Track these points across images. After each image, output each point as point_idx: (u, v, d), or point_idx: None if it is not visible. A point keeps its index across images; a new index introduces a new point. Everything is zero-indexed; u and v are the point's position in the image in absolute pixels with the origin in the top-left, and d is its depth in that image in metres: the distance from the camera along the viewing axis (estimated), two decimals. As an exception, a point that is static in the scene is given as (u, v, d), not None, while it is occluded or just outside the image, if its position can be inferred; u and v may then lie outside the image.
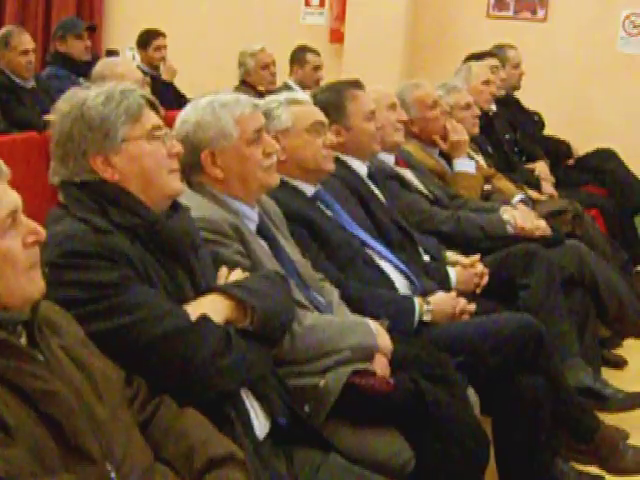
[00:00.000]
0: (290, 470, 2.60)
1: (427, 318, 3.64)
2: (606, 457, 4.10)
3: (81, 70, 7.09)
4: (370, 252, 3.85)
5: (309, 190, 3.71)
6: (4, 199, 1.97)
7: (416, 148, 5.24)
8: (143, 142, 2.55)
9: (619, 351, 5.63)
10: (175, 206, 2.67)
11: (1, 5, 10.08)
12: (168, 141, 2.63)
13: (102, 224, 2.43)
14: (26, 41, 6.94)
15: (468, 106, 5.74)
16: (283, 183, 3.42)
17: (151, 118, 2.61)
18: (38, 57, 7.26)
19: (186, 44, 9.26)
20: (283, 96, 3.74)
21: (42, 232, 2.02)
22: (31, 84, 6.94)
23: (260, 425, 2.57)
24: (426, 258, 4.32)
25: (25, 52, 6.87)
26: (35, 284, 2.02)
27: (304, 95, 3.95)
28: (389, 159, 4.78)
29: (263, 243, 3.16)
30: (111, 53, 8.85)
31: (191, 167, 3.05)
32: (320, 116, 3.72)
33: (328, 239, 3.61)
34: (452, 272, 4.14)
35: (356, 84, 4.32)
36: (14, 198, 2.00)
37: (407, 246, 4.22)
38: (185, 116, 3.14)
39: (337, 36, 9.31)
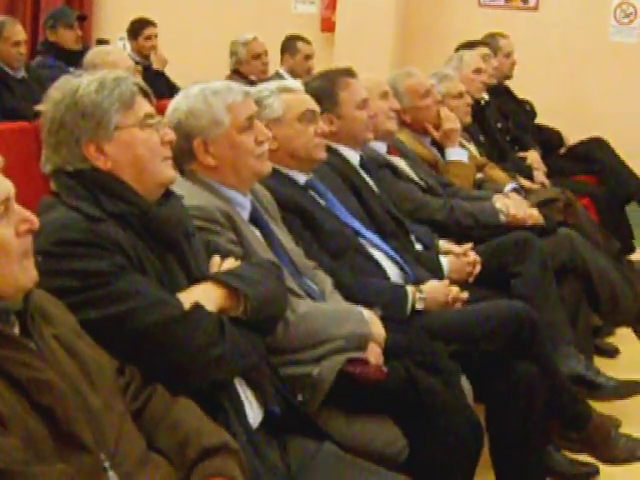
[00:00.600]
0: (284, 459, 2.59)
1: (420, 306, 3.64)
2: (598, 445, 4.10)
3: (72, 59, 7.08)
4: (363, 241, 3.84)
5: (301, 179, 3.70)
6: None
7: (408, 137, 5.22)
8: (136, 130, 2.54)
9: (611, 340, 5.65)
10: (167, 194, 2.65)
11: (-11, -4, 10.06)
12: (161, 129, 2.62)
13: (94, 212, 2.41)
14: (18, 32, 6.93)
15: (460, 95, 5.73)
16: (275, 171, 3.40)
17: (144, 106, 2.59)
18: (27, 47, 7.22)
19: (177, 33, 9.26)
20: (275, 84, 3.72)
21: (35, 220, 2.01)
22: (22, 74, 6.92)
23: (254, 414, 2.56)
24: (419, 247, 4.32)
25: (17, 43, 6.86)
26: (28, 273, 2.00)
27: (296, 83, 3.93)
28: (381, 148, 4.77)
29: (256, 231, 3.15)
30: (102, 43, 8.82)
31: (183, 155, 3.03)
32: (312, 104, 3.70)
33: (321, 228, 3.60)
34: (445, 261, 4.14)
35: (348, 72, 4.30)
36: (7, 186, 1.98)
37: (400, 235, 4.22)
38: (177, 104, 3.12)
39: (328, 25, 9.32)
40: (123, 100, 2.53)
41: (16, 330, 1.99)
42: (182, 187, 2.85)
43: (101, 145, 2.50)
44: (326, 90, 4.16)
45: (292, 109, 3.62)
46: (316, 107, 3.72)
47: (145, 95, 2.65)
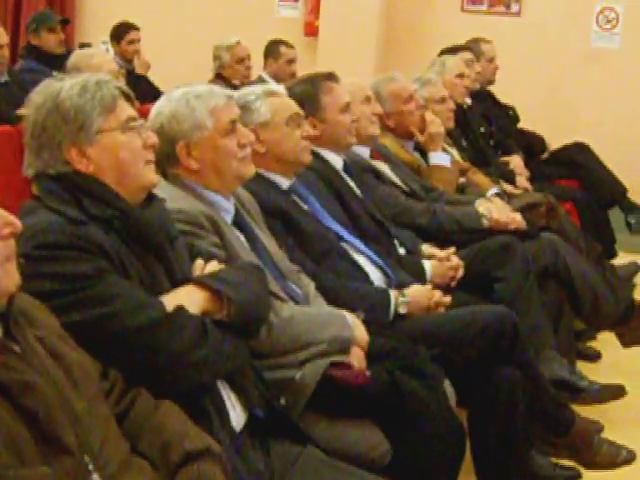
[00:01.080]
0: (267, 462, 2.59)
1: (403, 310, 3.65)
2: (581, 451, 4.10)
3: (55, 63, 7.03)
4: (345, 245, 3.85)
5: (285, 183, 3.70)
6: None
7: (391, 141, 5.22)
8: (118, 133, 2.53)
9: (593, 344, 5.66)
10: (150, 198, 2.65)
11: (-29, -2, 10.03)
12: (143, 132, 2.62)
13: (77, 215, 2.41)
14: (0, 35, 6.90)
15: (443, 100, 5.74)
16: (258, 176, 3.40)
17: (126, 109, 2.59)
18: (9, 50, 7.19)
19: (160, 37, 9.25)
20: (260, 88, 3.72)
21: (18, 224, 2.00)
22: (4, 78, 6.88)
23: (237, 417, 2.55)
24: (402, 251, 4.32)
25: (-1, 47, 6.84)
26: (10, 277, 1.99)
27: (280, 87, 3.93)
28: (364, 152, 4.77)
29: (239, 235, 3.15)
30: (84, 46, 8.79)
31: (166, 159, 3.03)
32: (297, 108, 3.71)
33: (303, 232, 3.61)
34: (427, 265, 4.15)
35: (331, 77, 4.30)
36: None
37: (382, 239, 4.22)
38: (159, 108, 3.12)
39: (311, 29, 9.32)
40: (105, 104, 2.53)
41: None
42: (165, 191, 2.85)
43: (83, 149, 2.49)
44: (309, 94, 4.16)
45: (279, 113, 3.63)
46: (301, 111, 3.72)
47: (127, 99, 2.64)
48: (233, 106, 3.17)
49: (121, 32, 8.34)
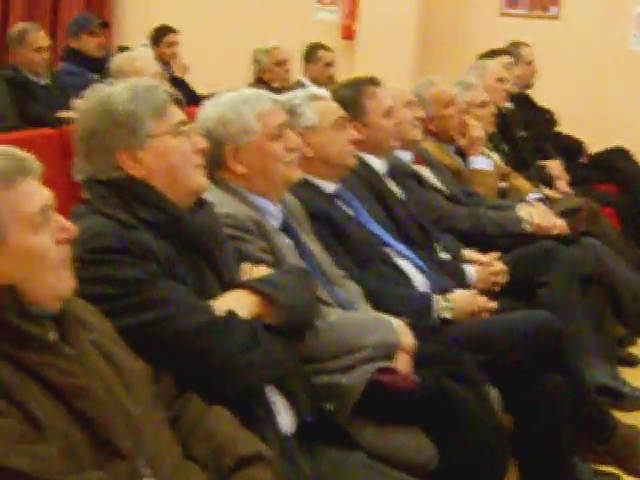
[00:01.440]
0: (314, 468, 2.58)
1: (447, 316, 3.63)
2: (624, 457, 4.07)
3: (95, 66, 7.09)
4: (389, 250, 3.84)
5: (330, 188, 3.70)
6: (36, 195, 1.97)
7: (433, 146, 5.22)
8: (169, 137, 2.54)
9: (633, 349, 5.61)
10: (199, 202, 2.66)
11: (9, 2, 10.07)
12: (192, 137, 2.63)
13: (128, 220, 2.43)
14: (41, 38, 6.96)
15: (484, 104, 5.72)
16: (304, 181, 3.41)
17: (176, 113, 2.60)
18: (50, 53, 7.24)
19: (197, 40, 9.24)
20: (304, 92, 3.74)
21: (73, 229, 2.02)
22: (45, 81, 6.94)
23: (287, 422, 2.56)
24: (444, 256, 4.31)
25: (39, 49, 6.88)
26: (66, 282, 2.02)
27: (323, 91, 3.93)
28: (406, 156, 4.76)
29: (286, 239, 3.15)
30: (123, 50, 8.84)
31: (213, 163, 3.03)
32: (342, 112, 3.72)
33: (348, 237, 3.60)
34: (471, 270, 4.13)
35: (374, 81, 4.30)
36: (45, 194, 1.99)
37: (425, 244, 4.21)
38: (207, 112, 3.13)
39: (348, 32, 9.30)
40: (156, 108, 2.54)
41: (54, 336, 1.99)
42: (212, 195, 2.86)
43: (134, 153, 2.50)
44: (353, 98, 4.16)
45: (326, 116, 3.64)
46: (346, 114, 3.73)
47: (177, 103, 2.65)
48: (280, 110, 3.17)
49: (160, 35, 8.38)
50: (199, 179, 2.61)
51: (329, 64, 8.10)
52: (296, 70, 8.17)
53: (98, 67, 6.78)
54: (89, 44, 7.50)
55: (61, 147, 4.92)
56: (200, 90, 7.76)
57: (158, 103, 2.55)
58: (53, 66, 7.62)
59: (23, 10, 9.95)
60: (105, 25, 8.13)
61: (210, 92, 3.97)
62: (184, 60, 8.51)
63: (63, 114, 5.98)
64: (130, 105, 2.51)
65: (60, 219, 2.01)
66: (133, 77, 3.02)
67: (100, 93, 2.57)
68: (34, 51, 6.87)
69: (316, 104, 3.65)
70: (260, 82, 7.75)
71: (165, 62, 8.28)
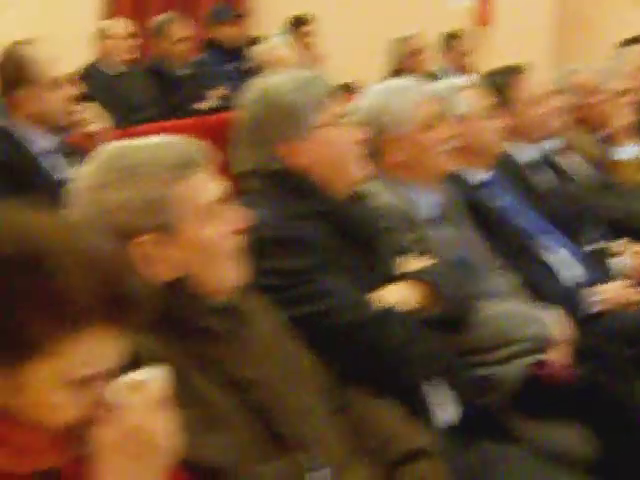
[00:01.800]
0: (472, 461, 2.57)
1: (596, 308, 3.57)
2: None
3: (234, 56, 7.18)
4: (536, 242, 3.79)
5: (478, 177, 3.67)
6: (210, 186, 1.99)
7: (577, 135, 5.13)
8: (331, 129, 2.55)
9: None
10: (357, 193, 2.66)
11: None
12: (352, 128, 2.63)
13: (291, 211, 2.44)
14: (182, 29, 7.06)
15: (628, 91, 5.59)
16: (454, 171, 3.39)
17: (336, 105, 2.61)
18: (191, 44, 7.35)
19: (332, 30, 9.25)
20: (451, 82, 3.71)
21: (245, 220, 2.04)
22: (185, 71, 7.04)
23: (449, 416, 2.55)
24: (590, 247, 4.23)
25: (180, 40, 6.99)
26: (240, 272, 2.03)
27: (469, 80, 3.90)
28: (551, 145, 4.69)
29: (441, 231, 3.13)
30: (256, 40, 8.92)
31: (369, 154, 3.04)
32: (492, 100, 3.69)
33: (498, 229, 3.57)
34: (622, 261, 4.05)
35: (520, 69, 4.26)
36: (219, 186, 2.01)
37: (572, 236, 4.14)
38: (361, 103, 3.13)
39: (484, 19, 9.23)
40: (318, 99, 2.56)
41: (226, 327, 2.00)
42: (368, 185, 2.86)
43: (297, 144, 2.52)
44: (501, 87, 4.12)
45: (476, 105, 3.61)
46: (495, 103, 3.70)
47: (334, 94, 2.66)
48: (433, 100, 3.16)
49: (296, 24, 8.43)
50: (360, 170, 2.62)
51: (466, 52, 8.06)
52: (431, 59, 8.14)
53: (238, 57, 6.87)
54: (228, 34, 7.60)
55: (202, 137, 4.99)
56: (336, 79, 7.77)
57: (319, 94, 2.57)
58: (192, 56, 7.74)
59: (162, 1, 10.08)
60: (243, 15, 8.21)
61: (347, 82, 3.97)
62: (317, 49, 8.55)
63: (202, 105, 6.07)
64: (293, 97, 2.53)
65: (234, 211, 2.03)
66: (278, 67, 3.04)
67: (262, 85, 2.60)
68: (175, 42, 6.99)
69: (466, 93, 3.62)
70: (398, 72, 7.75)
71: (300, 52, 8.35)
